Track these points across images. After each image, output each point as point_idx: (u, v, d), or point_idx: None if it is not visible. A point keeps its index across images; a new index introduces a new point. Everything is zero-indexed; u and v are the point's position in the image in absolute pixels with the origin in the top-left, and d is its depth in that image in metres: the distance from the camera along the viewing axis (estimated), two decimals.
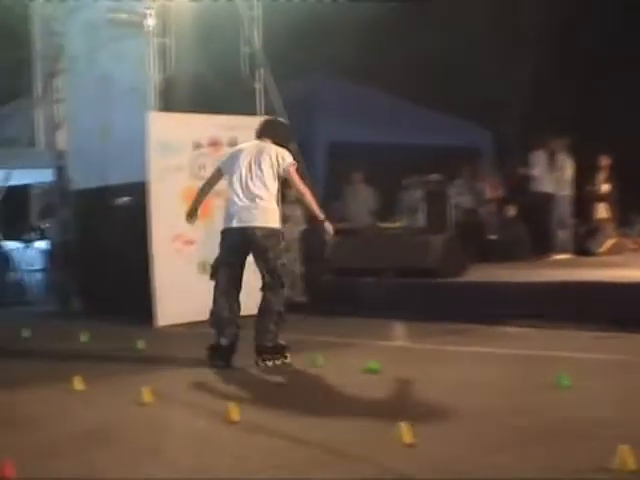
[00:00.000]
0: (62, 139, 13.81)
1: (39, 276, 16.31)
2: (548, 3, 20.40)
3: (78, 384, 6.93)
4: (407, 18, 19.82)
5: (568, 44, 20.06)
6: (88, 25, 12.68)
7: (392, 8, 18.16)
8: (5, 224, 15.58)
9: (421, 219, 14.67)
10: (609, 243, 15.52)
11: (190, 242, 11.11)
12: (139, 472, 4.67)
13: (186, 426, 5.80)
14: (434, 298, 11.04)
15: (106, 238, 12.35)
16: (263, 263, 7.81)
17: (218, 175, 8.25)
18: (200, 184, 8.59)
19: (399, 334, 9.57)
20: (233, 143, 10.40)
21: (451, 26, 20.32)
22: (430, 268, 11.71)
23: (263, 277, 7.86)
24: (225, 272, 7.90)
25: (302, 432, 5.34)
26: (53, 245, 15.32)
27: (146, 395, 6.32)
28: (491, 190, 16.56)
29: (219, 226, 8.07)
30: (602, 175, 15.97)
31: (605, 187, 15.94)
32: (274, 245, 7.79)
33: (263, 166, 7.79)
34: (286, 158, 7.82)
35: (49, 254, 15.81)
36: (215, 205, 9.72)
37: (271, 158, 7.81)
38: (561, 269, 12.23)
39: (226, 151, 9.36)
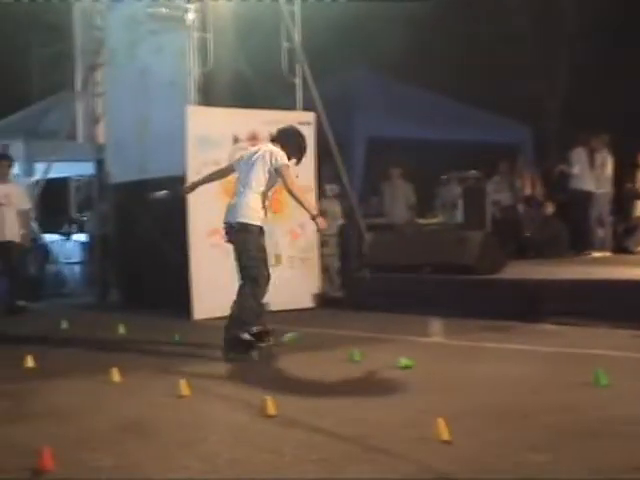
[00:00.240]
0: (101, 132, 13.88)
1: (78, 268, 16.45)
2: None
3: (115, 376, 6.98)
4: (444, 14, 19.83)
5: (608, 40, 19.92)
6: (128, 19, 12.74)
7: (437, 2, 18.17)
8: (44, 217, 15.69)
9: (459, 215, 14.65)
10: None
11: None
12: (175, 464, 4.69)
13: (222, 419, 5.82)
14: (471, 295, 10.99)
15: (144, 231, 12.43)
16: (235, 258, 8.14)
17: (230, 170, 8.59)
18: (215, 169, 9.08)
19: (436, 330, 9.56)
20: None
21: (494, 20, 20.30)
22: (467, 265, 11.65)
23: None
24: None
25: (338, 427, 5.33)
26: (91, 238, 15.45)
27: (183, 388, 6.36)
28: (529, 187, 16.46)
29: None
30: None
31: None
32: (242, 240, 8.01)
33: (255, 165, 8.05)
34: (279, 159, 8.01)
35: (88, 247, 15.95)
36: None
37: (264, 157, 8.05)
38: (599, 267, 12.13)
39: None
